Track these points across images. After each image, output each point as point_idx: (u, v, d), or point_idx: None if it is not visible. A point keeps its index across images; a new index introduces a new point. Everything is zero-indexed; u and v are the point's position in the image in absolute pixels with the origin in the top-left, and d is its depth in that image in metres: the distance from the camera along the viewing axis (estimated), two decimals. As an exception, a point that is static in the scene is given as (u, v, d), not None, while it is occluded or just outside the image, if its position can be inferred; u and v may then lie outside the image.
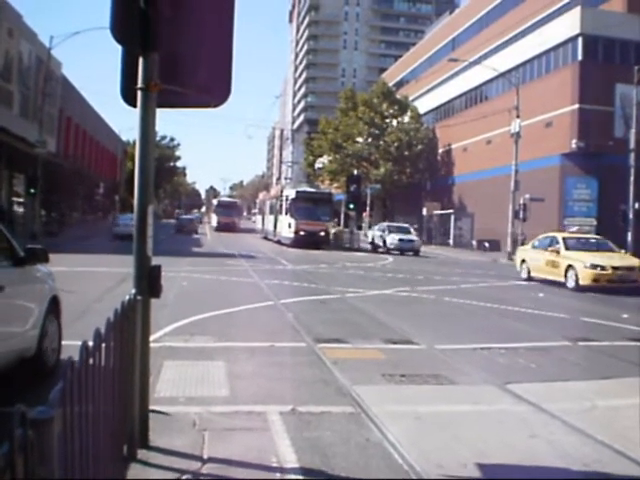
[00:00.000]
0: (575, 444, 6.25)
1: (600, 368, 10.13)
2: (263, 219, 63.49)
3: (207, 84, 5.79)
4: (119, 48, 5.82)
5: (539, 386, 8.60)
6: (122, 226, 41.61)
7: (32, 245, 8.46)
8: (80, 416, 3.20)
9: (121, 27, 5.45)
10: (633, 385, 8.93)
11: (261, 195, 76.27)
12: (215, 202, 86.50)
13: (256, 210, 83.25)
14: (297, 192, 48.08)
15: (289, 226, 46.46)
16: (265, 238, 58.01)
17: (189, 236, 57.87)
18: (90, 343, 3.52)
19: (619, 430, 6.73)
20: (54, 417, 2.61)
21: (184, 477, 5.05)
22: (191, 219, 72.85)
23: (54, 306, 8.37)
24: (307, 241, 44.79)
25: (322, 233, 46.63)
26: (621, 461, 5.83)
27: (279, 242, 49.34)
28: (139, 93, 5.44)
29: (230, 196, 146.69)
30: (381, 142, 68.58)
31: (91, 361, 3.51)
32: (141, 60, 5.44)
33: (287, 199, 47.95)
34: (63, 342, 8.52)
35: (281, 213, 50.10)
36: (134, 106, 5.56)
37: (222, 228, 71.52)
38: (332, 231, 52.57)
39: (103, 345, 3.84)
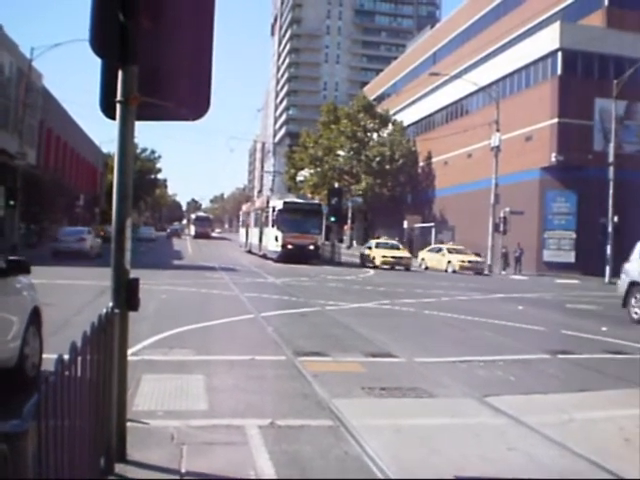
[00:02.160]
0: (553, 457, 6.26)
1: (578, 380, 10.17)
2: (247, 232, 60.36)
3: (186, 97, 5.80)
4: (99, 61, 5.82)
5: (517, 399, 8.62)
6: (63, 242, 36.83)
7: (13, 257, 8.45)
8: (56, 430, 3.19)
9: (101, 40, 5.46)
10: (610, 397, 8.99)
11: (244, 207, 71.95)
12: (193, 216, 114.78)
13: (239, 223, 79.45)
14: (284, 202, 44.76)
15: (276, 239, 43.43)
16: (249, 252, 55.44)
17: (175, 239, 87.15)
18: (66, 356, 3.51)
19: (597, 442, 6.76)
20: (28, 431, 2.60)
21: (162, 491, 5.03)
22: (177, 229, 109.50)
23: (35, 317, 8.37)
24: (295, 255, 42.05)
25: (311, 247, 43.61)
26: (599, 473, 5.85)
27: (265, 256, 46.73)
28: (118, 106, 5.44)
29: (205, 211, 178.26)
30: (362, 156, 68.69)
31: (67, 374, 3.49)
32: (120, 73, 5.43)
33: (274, 210, 44.61)
34: (42, 355, 8.48)
35: (267, 225, 46.88)
36: (114, 119, 5.55)
37: (198, 236, 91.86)
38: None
39: (79, 358, 3.82)
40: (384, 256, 44.34)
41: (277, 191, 78.10)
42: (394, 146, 68.37)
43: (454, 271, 43.67)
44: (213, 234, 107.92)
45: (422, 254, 50.26)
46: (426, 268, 47.01)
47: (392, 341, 12.95)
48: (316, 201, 53.67)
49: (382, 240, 51.57)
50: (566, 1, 53.84)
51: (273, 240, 43.91)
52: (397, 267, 43.85)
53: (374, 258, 44.64)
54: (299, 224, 43.37)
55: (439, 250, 48.07)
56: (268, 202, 48.69)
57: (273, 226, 44.21)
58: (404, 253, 46.79)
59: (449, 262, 45.10)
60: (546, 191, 48.32)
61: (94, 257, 35.89)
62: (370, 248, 47.14)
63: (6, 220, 42.61)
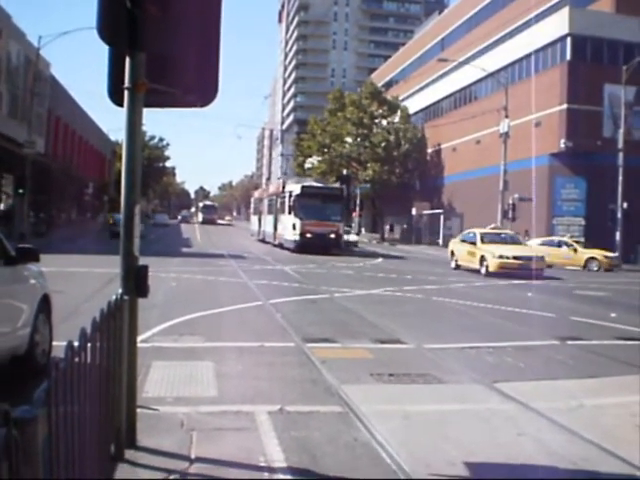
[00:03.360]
0: (562, 442, 6.26)
1: (588, 366, 10.15)
2: (260, 219, 56.45)
3: (194, 84, 5.79)
4: (107, 48, 5.81)
5: (527, 385, 8.63)
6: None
7: (23, 245, 8.49)
8: (66, 416, 3.20)
9: (108, 27, 5.44)
10: (620, 383, 8.98)
11: (257, 193, 68.32)
12: (201, 205, 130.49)
13: (250, 210, 74.72)
14: (303, 187, 41.23)
15: (293, 227, 39.92)
16: (262, 241, 52.62)
17: (184, 225, 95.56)
18: (76, 343, 3.52)
19: (606, 428, 6.76)
20: (38, 417, 2.60)
21: (172, 477, 5.04)
22: (187, 216, 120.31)
23: (45, 305, 8.41)
24: (315, 245, 38.68)
25: (332, 235, 40.05)
26: (608, 459, 5.85)
27: (281, 246, 43.57)
28: (126, 93, 5.43)
29: (213, 198, 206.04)
30: (367, 143, 68.44)
31: (77, 361, 3.49)
32: (128, 60, 5.43)
33: (290, 195, 41.05)
34: (52, 343, 8.51)
35: (283, 212, 43.38)
36: (121, 106, 5.55)
37: (205, 222, 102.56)
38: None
39: (89, 345, 3.83)
40: (503, 256, 28.34)
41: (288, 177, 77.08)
42: (400, 132, 68.09)
43: (598, 269, 35.98)
44: (219, 221, 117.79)
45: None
46: None
47: (401, 327, 12.96)
48: (337, 185, 51.12)
49: (490, 230, 35.22)
50: (575, -14, 53.47)
51: (290, 228, 40.55)
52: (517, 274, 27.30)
53: (483, 259, 29.07)
54: (319, 210, 40.04)
55: (559, 245, 38.71)
56: (284, 187, 44.98)
57: (290, 213, 40.76)
58: (532, 251, 31.36)
59: (592, 259, 36.77)
60: (555, 177, 48.13)
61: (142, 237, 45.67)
62: (472, 243, 31.13)
63: (15, 209, 42.70)
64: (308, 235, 39.20)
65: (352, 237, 53.36)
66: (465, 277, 27.84)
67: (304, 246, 38.85)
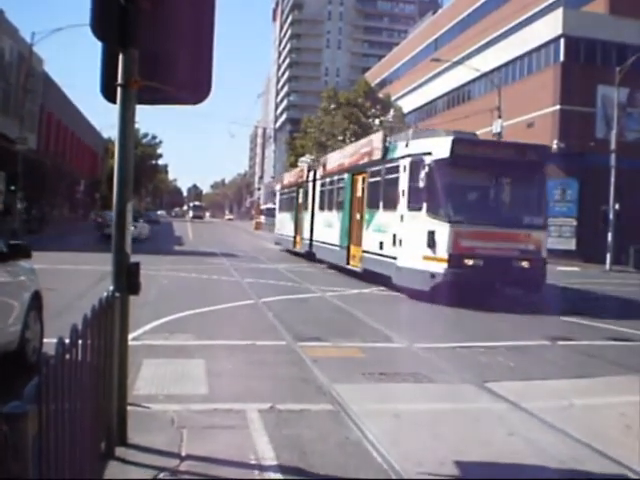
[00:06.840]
0: (552, 442, 6.28)
1: (578, 367, 10.18)
2: (297, 220, 34.34)
3: (187, 81, 5.77)
4: (100, 45, 5.79)
5: (517, 384, 8.64)
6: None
7: (14, 241, 8.47)
8: (56, 412, 3.19)
9: (101, 23, 5.42)
10: (610, 384, 9.01)
11: (290, 175, 42.12)
12: (191, 205, 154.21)
13: (274, 204, 51.67)
14: (456, 142, 17.62)
15: (430, 242, 17.19)
16: (307, 258, 30.75)
17: (177, 222, 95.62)
18: (66, 340, 3.51)
19: (596, 428, 6.78)
20: (28, 413, 2.60)
21: (162, 474, 5.04)
22: (178, 213, 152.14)
23: (36, 301, 8.39)
24: (487, 284, 17.95)
25: (525, 263, 17.48)
26: (597, 459, 5.87)
27: (376, 276, 20.56)
28: (119, 89, 5.42)
29: (205, 196, 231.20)
30: (364, 140, 68.43)
31: (68, 357, 3.49)
32: (121, 56, 5.41)
33: (419, 167, 17.79)
34: (43, 340, 8.50)
35: (393, 207, 19.55)
36: (114, 102, 5.53)
37: (194, 217, 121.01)
38: None
39: (80, 342, 3.82)
40: None
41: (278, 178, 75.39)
42: (394, 131, 68.08)
43: None
44: (213, 219, 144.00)
45: None
46: None
47: (392, 326, 12.96)
48: (530, 142, 25.13)
49: None
50: (569, -13, 53.57)
51: (420, 243, 17.60)
52: None
53: None
54: (493, 202, 18.98)
55: None
56: (386, 151, 21.16)
57: (417, 207, 18.04)
58: None
59: None
60: (547, 178, 48.17)
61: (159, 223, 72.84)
62: None
63: (7, 205, 42.55)
64: (471, 262, 16.98)
65: None
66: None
67: (459, 287, 16.91)
